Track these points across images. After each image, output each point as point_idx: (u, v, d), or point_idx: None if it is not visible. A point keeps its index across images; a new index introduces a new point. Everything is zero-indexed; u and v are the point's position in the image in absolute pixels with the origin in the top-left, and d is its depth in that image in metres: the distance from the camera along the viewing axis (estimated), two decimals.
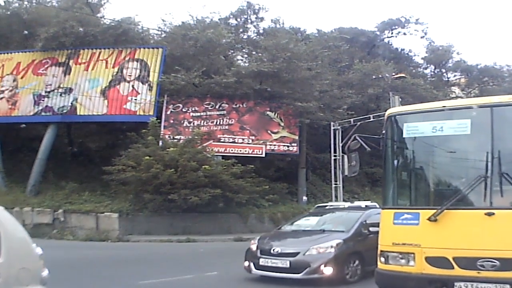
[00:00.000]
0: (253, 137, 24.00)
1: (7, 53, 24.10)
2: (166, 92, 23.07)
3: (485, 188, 5.38)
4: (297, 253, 8.79)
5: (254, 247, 9.57)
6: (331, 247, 8.80)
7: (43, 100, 22.73)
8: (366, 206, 15.76)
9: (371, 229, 8.98)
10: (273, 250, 9.07)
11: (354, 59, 29.31)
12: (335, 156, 23.90)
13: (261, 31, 28.51)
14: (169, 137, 21.96)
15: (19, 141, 24.17)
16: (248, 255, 9.57)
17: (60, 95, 22.82)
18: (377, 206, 17.25)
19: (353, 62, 28.65)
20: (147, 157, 19.13)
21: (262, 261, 9.10)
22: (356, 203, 16.36)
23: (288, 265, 8.72)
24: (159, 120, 21.82)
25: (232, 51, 27.85)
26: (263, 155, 23.68)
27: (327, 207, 14.19)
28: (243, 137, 23.89)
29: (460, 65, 37.61)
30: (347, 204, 15.36)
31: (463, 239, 5.37)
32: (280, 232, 10.66)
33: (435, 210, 5.55)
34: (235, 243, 17.87)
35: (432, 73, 38.93)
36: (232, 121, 24.02)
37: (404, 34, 35.95)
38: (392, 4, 72.28)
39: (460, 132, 5.76)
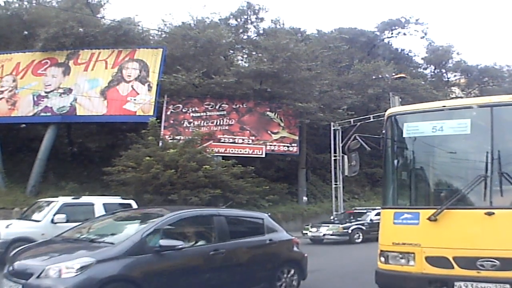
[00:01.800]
0: (253, 138, 24.02)
1: (7, 53, 24.07)
2: (166, 93, 23.08)
3: (485, 187, 5.38)
4: (31, 274, 5.74)
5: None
6: (72, 268, 5.66)
7: (42, 101, 22.71)
8: (103, 204, 12.04)
9: (163, 242, 6.28)
10: (12, 266, 6.17)
11: (354, 60, 29.38)
12: (335, 156, 23.92)
13: (261, 32, 28.56)
14: (169, 137, 21.96)
15: (19, 141, 24.15)
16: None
17: (60, 95, 22.81)
18: (133, 204, 12.82)
19: (353, 63, 28.71)
20: (147, 158, 19.11)
21: (4, 282, 6.13)
22: (85, 198, 13.19)
23: None
24: (158, 121, 21.82)
25: (232, 52, 27.90)
26: (263, 156, 23.70)
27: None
28: (243, 138, 23.91)
29: (460, 66, 37.71)
30: (62, 199, 12.57)
31: (463, 239, 5.36)
32: (51, 240, 7.60)
33: (435, 210, 5.55)
34: None
35: (432, 73, 39.03)
36: (232, 121, 24.04)
37: (404, 34, 36.13)
38: (392, 4, 72.40)
39: (460, 132, 5.76)
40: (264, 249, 7.81)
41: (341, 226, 19.11)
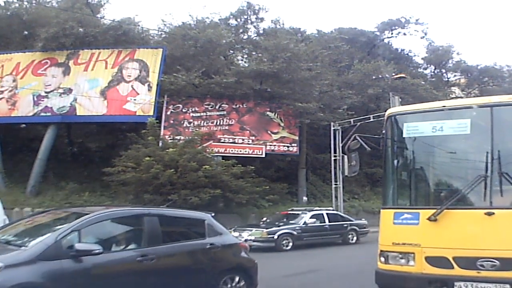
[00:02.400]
0: (253, 138, 24.03)
1: (7, 53, 24.07)
2: (166, 93, 23.08)
3: (485, 188, 5.38)
4: None
5: None
6: None
7: (42, 101, 22.71)
8: None
9: (79, 246, 5.50)
10: None
11: (354, 60, 29.40)
12: (335, 156, 23.92)
13: (261, 32, 28.56)
14: (169, 137, 21.97)
15: (19, 141, 24.16)
16: None
17: (60, 95, 22.81)
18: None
19: (353, 63, 28.72)
20: (147, 158, 19.12)
21: None
22: None
23: None
24: (158, 121, 21.82)
25: (232, 52, 27.89)
26: (263, 156, 23.70)
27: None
28: (243, 138, 23.92)
29: (460, 66, 37.70)
30: None
31: (463, 239, 5.36)
32: None
33: (435, 210, 5.54)
34: None
35: (432, 73, 39.03)
36: (232, 121, 24.04)
37: (404, 34, 36.11)
38: (392, 4, 72.41)
39: (460, 132, 5.76)
40: (204, 255, 6.86)
41: (265, 230, 15.94)
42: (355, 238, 18.29)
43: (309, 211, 18.10)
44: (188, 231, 7.19)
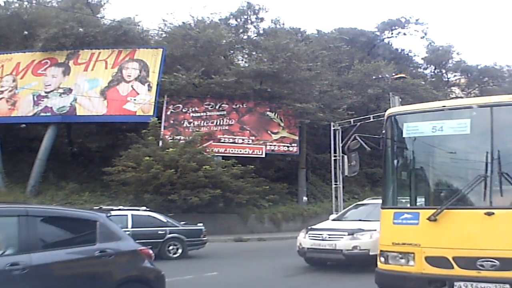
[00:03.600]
0: (253, 138, 24.04)
1: (7, 53, 24.08)
2: (166, 93, 23.10)
3: (485, 187, 5.37)
4: None
5: None
6: None
7: (42, 101, 22.73)
8: None
9: None
10: None
11: (354, 60, 29.37)
12: (335, 156, 23.90)
13: (261, 32, 28.55)
14: (169, 137, 21.98)
15: (19, 141, 24.16)
16: None
17: (60, 95, 22.82)
18: None
19: (353, 63, 28.71)
20: (147, 158, 19.15)
21: None
22: None
23: None
24: (159, 121, 21.85)
25: (232, 52, 27.89)
26: (263, 156, 23.71)
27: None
28: (243, 138, 23.93)
29: (460, 66, 37.68)
30: None
31: (463, 239, 5.36)
32: None
33: (435, 210, 5.54)
34: (235, 244, 17.89)
35: (432, 73, 39.01)
36: (232, 121, 24.06)
37: (404, 34, 36.07)
38: (392, 4, 72.41)
39: (460, 132, 5.75)
40: (92, 264, 5.61)
41: None
42: (180, 250, 13.70)
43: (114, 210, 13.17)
44: (75, 234, 5.91)
